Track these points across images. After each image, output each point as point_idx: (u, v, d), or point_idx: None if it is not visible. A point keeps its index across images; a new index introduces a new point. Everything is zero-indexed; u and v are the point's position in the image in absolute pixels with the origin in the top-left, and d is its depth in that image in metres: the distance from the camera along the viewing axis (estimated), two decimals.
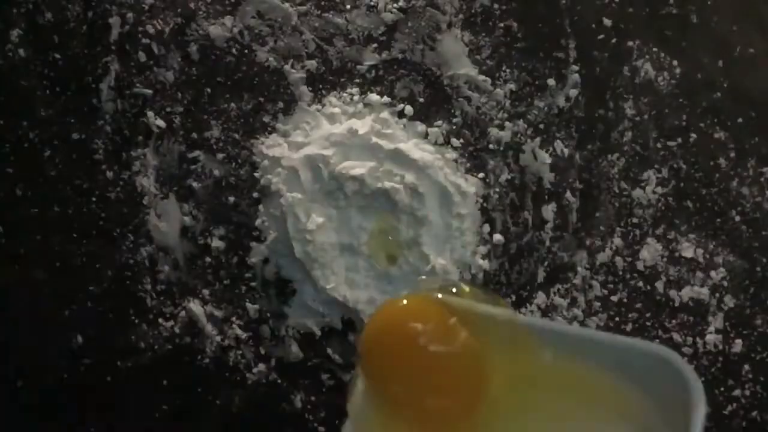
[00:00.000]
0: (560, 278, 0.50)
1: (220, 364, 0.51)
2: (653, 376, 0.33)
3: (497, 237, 0.50)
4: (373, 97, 0.50)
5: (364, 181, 0.48)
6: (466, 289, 0.34)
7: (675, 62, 0.50)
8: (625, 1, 0.50)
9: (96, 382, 0.51)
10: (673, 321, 0.50)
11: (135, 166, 0.51)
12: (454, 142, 0.50)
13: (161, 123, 0.51)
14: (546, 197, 0.50)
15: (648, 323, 0.50)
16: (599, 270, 0.50)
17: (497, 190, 0.50)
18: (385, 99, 0.50)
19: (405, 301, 0.34)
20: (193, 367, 0.51)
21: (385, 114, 0.50)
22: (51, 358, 0.51)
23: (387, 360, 0.33)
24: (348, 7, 0.51)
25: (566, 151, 0.50)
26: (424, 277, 0.47)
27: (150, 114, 0.51)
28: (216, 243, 0.51)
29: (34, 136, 0.51)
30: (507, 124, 0.50)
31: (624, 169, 0.50)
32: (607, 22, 0.50)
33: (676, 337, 0.49)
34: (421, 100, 0.51)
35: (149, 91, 0.51)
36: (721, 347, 0.49)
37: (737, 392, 0.49)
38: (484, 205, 0.50)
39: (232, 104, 0.51)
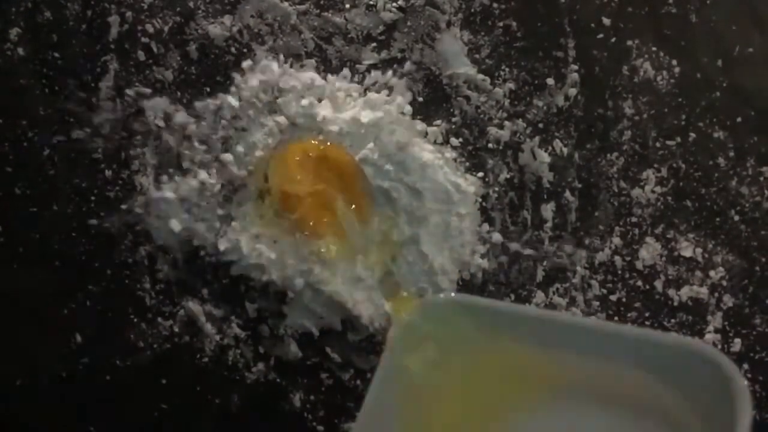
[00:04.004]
0: (559, 277, 0.50)
1: (219, 363, 0.51)
2: (682, 371, 0.33)
3: (496, 236, 0.50)
4: (373, 96, 0.50)
5: None
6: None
7: (674, 62, 0.50)
8: (624, 1, 0.50)
9: (95, 382, 0.51)
10: (672, 320, 0.50)
11: (134, 165, 0.51)
12: (454, 141, 0.50)
13: (160, 122, 0.51)
14: (545, 196, 0.50)
15: (647, 322, 0.50)
16: (598, 269, 0.50)
17: (496, 189, 0.50)
18: None
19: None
20: (192, 366, 0.51)
21: None
22: (51, 358, 0.51)
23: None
24: (347, 6, 0.51)
25: (565, 150, 0.50)
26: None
27: (149, 113, 0.51)
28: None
29: (33, 135, 0.51)
30: (506, 123, 0.50)
31: (623, 169, 0.50)
32: (607, 21, 0.50)
33: None
34: (421, 99, 0.51)
35: (148, 90, 0.51)
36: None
37: None
38: (483, 204, 0.50)
39: None
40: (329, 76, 0.50)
